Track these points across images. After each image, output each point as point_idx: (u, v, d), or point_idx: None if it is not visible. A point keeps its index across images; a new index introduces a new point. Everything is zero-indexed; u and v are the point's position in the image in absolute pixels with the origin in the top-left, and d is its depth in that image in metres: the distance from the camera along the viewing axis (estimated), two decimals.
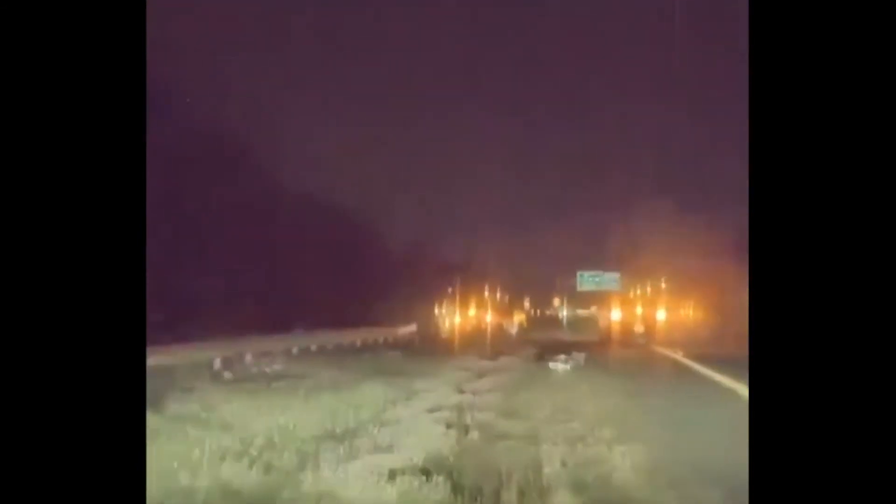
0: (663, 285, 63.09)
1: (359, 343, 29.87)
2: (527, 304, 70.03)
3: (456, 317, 44.47)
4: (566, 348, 24.44)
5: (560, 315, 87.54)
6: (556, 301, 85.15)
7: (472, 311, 48.26)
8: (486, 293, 57.00)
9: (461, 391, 13.73)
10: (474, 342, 31.53)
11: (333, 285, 43.91)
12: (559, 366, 19.10)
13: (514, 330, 45.33)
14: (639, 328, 38.85)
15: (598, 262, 79.62)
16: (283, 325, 27.23)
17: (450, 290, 54.57)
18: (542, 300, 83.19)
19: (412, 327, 41.49)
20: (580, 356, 20.53)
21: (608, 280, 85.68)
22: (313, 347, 25.46)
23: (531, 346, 28.93)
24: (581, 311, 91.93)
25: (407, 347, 29.53)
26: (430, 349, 27.13)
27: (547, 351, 24.74)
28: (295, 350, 23.43)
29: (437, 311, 50.84)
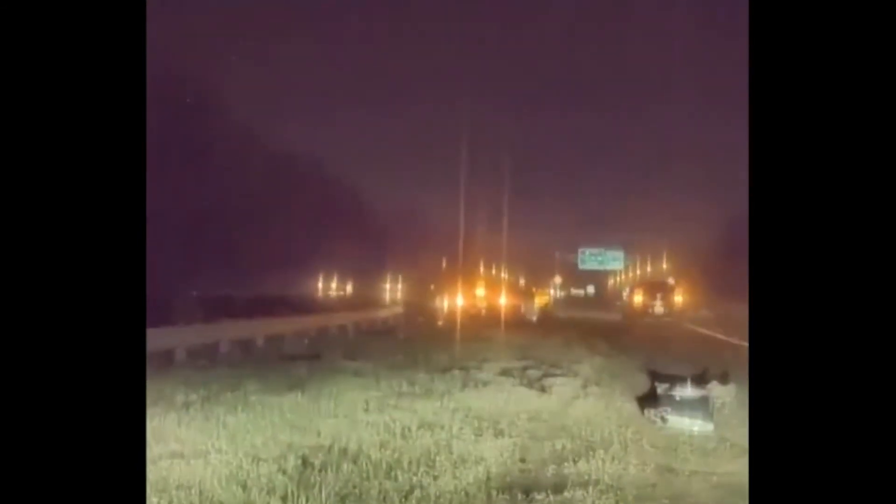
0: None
1: (310, 336, 20.00)
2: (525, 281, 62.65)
3: (458, 298, 34.42)
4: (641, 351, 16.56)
5: (580, 294, 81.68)
6: (558, 279, 79.32)
7: (480, 291, 38.26)
8: (492, 270, 48.25)
9: None
10: (488, 337, 21.32)
11: (299, 257, 36.75)
12: (695, 423, 8.72)
13: (534, 317, 34.95)
14: (659, 309, 38.41)
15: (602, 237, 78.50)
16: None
17: (444, 263, 45.91)
18: (546, 279, 77.70)
19: (397, 309, 31.72)
20: (723, 391, 10.01)
21: (611, 259, 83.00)
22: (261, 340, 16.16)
23: (574, 336, 18.76)
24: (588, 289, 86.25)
25: (384, 343, 19.44)
26: (419, 354, 16.60)
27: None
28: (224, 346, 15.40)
29: (431, 289, 41.02)
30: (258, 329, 18.25)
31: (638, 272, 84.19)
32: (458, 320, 28.85)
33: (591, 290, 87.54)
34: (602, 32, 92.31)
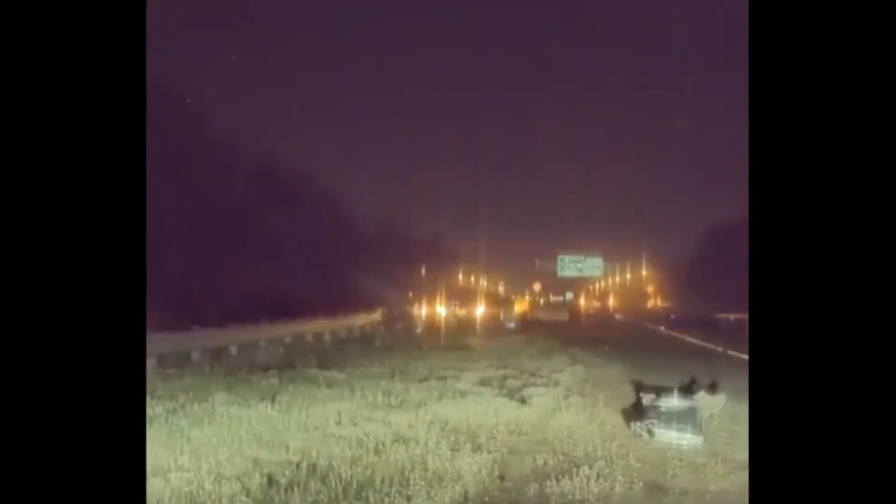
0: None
1: (284, 344, 19.48)
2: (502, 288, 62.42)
3: (437, 305, 34.02)
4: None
5: (559, 300, 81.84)
6: (537, 286, 79.42)
7: (457, 300, 37.84)
8: (472, 278, 47.91)
9: None
10: (466, 345, 20.94)
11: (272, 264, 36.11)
12: (683, 436, 8.36)
13: (513, 324, 34.51)
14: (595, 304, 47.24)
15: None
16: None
17: (423, 270, 45.57)
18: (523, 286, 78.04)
19: (375, 317, 31.25)
20: (711, 402, 9.61)
21: (590, 266, 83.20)
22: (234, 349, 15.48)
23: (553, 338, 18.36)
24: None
25: (360, 352, 18.96)
26: (396, 363, 16.16)
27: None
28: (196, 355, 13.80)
29: (409, 296, 40.52)
30: (231, 337, 17.72)
31: (617, 279, 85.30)
32: (437, 328, 28.45)
33: (569, 296, 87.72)
34: (589, 38, 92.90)
